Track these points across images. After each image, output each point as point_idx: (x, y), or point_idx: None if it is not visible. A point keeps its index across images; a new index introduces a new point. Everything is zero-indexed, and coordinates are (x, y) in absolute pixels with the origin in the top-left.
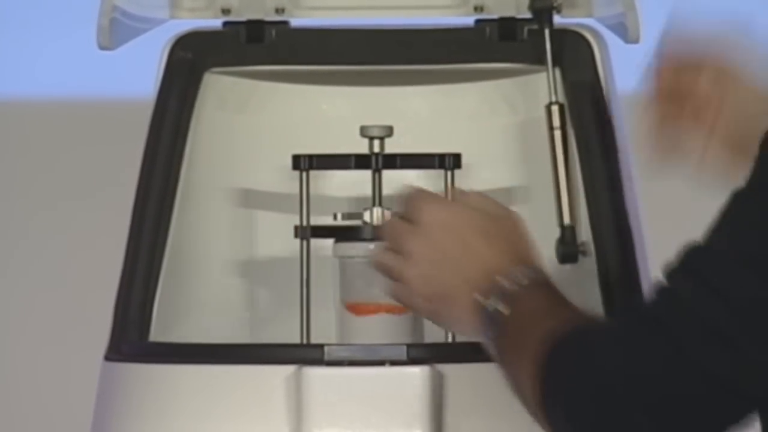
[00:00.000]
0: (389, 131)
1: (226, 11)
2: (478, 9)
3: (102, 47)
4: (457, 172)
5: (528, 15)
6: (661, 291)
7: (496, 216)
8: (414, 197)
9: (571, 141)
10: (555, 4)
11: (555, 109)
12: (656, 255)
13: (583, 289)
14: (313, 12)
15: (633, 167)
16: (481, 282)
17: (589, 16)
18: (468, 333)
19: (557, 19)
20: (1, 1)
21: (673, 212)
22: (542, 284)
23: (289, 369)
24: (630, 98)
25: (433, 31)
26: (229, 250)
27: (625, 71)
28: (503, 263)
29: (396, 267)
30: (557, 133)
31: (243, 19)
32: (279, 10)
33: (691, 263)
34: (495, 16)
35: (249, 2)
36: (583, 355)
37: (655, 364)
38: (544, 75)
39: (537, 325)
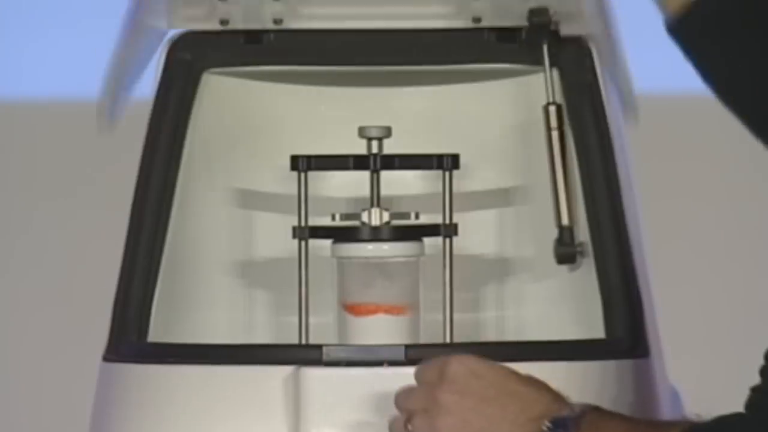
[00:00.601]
0: (387, 132)
1: (224, 22)
2: (476, 20)
3: (105, 128)
4: (455, 172)
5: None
6: None
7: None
8: (433, 362)
9: (569, 141)
10: (553, 20)
11: (552, 109)
12: (658, 256)
13: (582, 290)
14: (311, 22)
15: (633, 167)
16: (528, 417)
17: (586, 32)
18: None
19: None
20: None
21: (675, 213)
22: (596, 408)
23: (287, 369)
24: None
25: (431, 32)
26: (228, 250)
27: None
28: (545, 398)
29: (425, 426)
30: (554, 134)
31: (241, 28)
32: (277, 21)
33: None
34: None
35: (247, 13)
36: None
37: None
38: (542, 75)
39: None
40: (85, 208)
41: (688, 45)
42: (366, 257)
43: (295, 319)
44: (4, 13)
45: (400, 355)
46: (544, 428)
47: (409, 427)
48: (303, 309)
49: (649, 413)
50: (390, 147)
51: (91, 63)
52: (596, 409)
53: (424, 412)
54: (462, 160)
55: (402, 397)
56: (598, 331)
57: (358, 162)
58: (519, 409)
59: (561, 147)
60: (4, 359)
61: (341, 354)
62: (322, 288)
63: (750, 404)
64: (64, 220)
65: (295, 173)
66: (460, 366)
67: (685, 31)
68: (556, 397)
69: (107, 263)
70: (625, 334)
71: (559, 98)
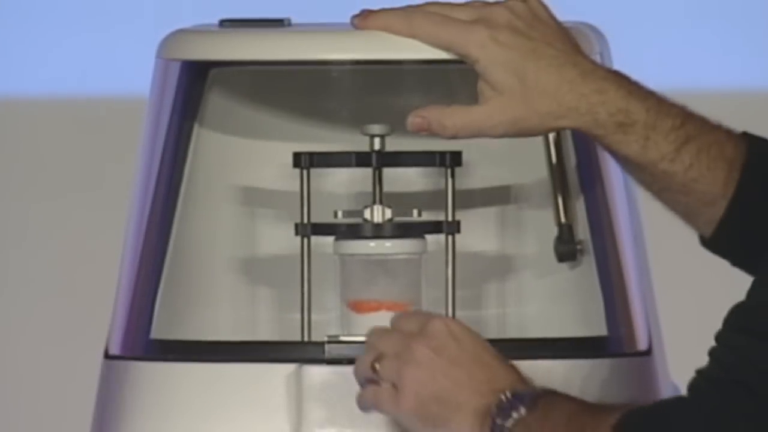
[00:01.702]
0: (389, 129)
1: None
2: None
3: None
4: (457, 170)
5: None
6: (719, 354)
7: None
8: (416, 313)
9: (567, 139)
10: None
11: None
12: (659, 252)
13: (583, 287)
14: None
15: None
16: (492, 389)
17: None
18: None
19: (560, 16)
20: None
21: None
22: (555, 391)
23: (289, 367)
24: None
25: None
26: (231, 248)
27: (625, 70)
28: (512, 376)
29: (393, 370)
30: (551, 133)
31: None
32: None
33: (740, 321)
34: None
35: None
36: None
37: (739, 423)
38: None
39: (582, 420)
40: (85, 206)
41: (725, 257)
42: (368, 254)
43: (298, 316)
44: (4, 10)
45: None
46: (503, 397)
47: (376, 366)
48: (305, 306)
49: None
50: (392, 144)
51: (92, 61)
52: (555, 392)
53: (395, 356)
54: (464, 158)
55: (376, 337)
56: (599, 329)
57: (361, 159)
58: (485, 379)
59: (557, 145)
60: (4, 357)
61: (343, 351)
62: (324, 285)
63: (691, 386)
64: (64, 218)
65: (297, 170)
66: (442, 325)
67: (718, 247)
68: (523, 378)
69: (109, 260)
70: (627, 331)
71: None
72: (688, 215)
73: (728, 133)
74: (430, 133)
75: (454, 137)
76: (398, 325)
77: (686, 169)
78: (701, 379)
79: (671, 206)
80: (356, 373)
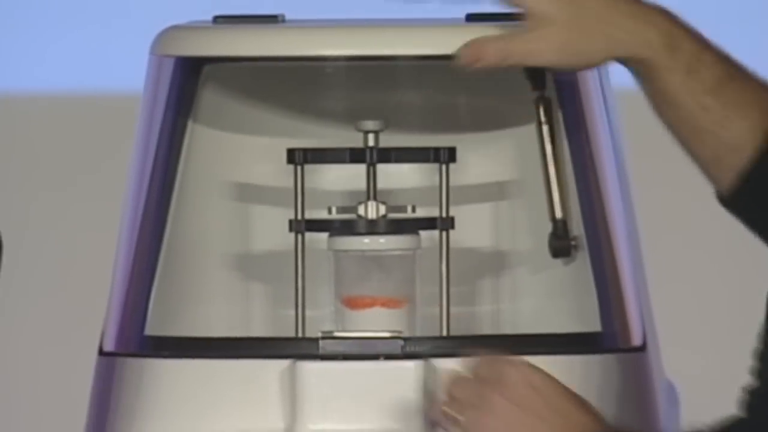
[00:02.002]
0: (384, 125)
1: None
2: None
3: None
4: (452, 166)
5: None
6: (760, 369)
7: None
8: (493, 359)
9: (562, 135)
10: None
11: (542, 103)
12: (654, 249)
13: (577, 283)
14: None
15: (628, 163)
16: None
17: None
18: None
19: None
20: None
21: (672, 206)
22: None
23: (283, 363)
24: (625, 94)
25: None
26: (225, 244)
27: (621, 67)
28: (587, 419)
29: (474, 418)
30: (545, 128)
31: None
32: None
33: None
34: None
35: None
36: None
37: None
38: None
39: None
40: (79, 202)
41: (742, 216)
42: (362, 250)
43: (292, 313)
44: (4, 7)
45: (397, 348)
46: None
47: (446, 409)
48: (299, 302)
49: (645, 407)
50: (386, 140)
51: (86, 58)
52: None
53: (472, 407)
54: (458, 153)
55: (455, 385)
56: (594, 325)
57: (355, 155)
58: (564, 429)
59: (552, 141)
60: (0, 353)
61: (337, 347)
62: (318, 281)
63: (744, 405)
64: (58, 214)
65: (291, 166)
66: (519, 374)
67: (737, 204)
68: (596, 417)
69: (103, 257)
70: (621, 327)
71: (552, 92)
72: (713, 161)
73: (765, 82)
74: (484, 64)
75: (500, 64)
76: (475, 372)
77: (723, 106)
78: (752, 397)
79: (698, 149)
80: (429, 415)
